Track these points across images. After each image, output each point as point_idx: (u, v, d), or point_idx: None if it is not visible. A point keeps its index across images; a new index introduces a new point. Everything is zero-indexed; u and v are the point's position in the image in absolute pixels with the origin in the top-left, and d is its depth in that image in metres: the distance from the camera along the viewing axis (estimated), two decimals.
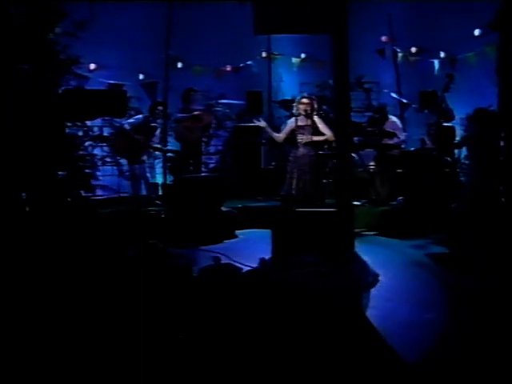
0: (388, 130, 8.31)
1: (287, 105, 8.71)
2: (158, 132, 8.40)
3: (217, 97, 9.26)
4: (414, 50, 9.77)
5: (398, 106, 9.74)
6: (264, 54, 10.44)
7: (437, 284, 5.02)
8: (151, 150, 8.59)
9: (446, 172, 7.54)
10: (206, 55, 9.89)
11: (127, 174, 8.59)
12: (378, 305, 4.33)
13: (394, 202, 8.01)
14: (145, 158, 8.45)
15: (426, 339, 3.71)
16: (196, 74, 9.93)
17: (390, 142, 8.18)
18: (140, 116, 8.27)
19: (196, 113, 8.49)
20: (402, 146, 8.55)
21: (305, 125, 6.26)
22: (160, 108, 8.37)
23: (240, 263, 5.70)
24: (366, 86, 9.82)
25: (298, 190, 6.25)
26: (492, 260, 5.64)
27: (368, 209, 7.95)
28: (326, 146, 8.78)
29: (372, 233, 7.55)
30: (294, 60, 10.58)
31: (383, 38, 10.08)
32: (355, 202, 8.11)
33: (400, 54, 9.95)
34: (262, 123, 6.58)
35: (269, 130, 6.60)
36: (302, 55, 10.58)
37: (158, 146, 8.48)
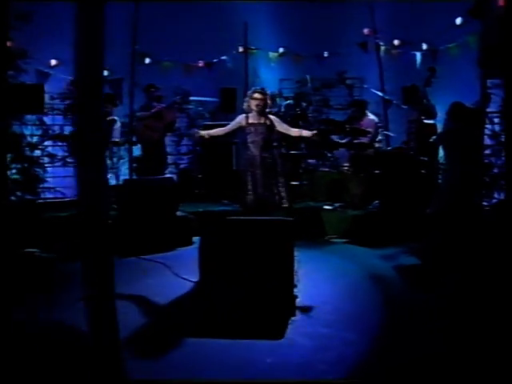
0: (363, 127, 7.68)
1: None
2: (117, 126, 7.71)
3: (182, 94, 8.63)
4: (396, 42, 9.13)
5: (381, 103, 9.12)
6: (240, 49, 9.82)
7: (393, 305, 4.33)
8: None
9: (422, 173, 6.88)
10: (177, 50, 9.30)
11: None
12: (311, 332, 3.65)
13: (370, 206, 7.35)
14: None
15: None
16: (165, 70, 9.36)
17: (363, 139, 7.52)
18: None
19: (155, 110, 7.91)
20: (377, 146, 7.89)
21: (257, 123, 5.58)
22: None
23: (177, 275, 5.25)
24: (349, 81, 9.25)
25: (252, 194, 5.61)
26: (463, 273, 5.03)
27: (340, 213, 7.29)
28: (303, 145, 8.29)
29: (342, 240, 6.92)
30: (272, 55, 9.98)
31: (365, 31, 9.46)
32: (327, 207, 7.51)
33: (383, 47, 9.32)
34: (203, 133, 5.85)
35: (206, 132, 5.85)
36: (281, 49, 9.98)
37: (116, 139, 7.68)
